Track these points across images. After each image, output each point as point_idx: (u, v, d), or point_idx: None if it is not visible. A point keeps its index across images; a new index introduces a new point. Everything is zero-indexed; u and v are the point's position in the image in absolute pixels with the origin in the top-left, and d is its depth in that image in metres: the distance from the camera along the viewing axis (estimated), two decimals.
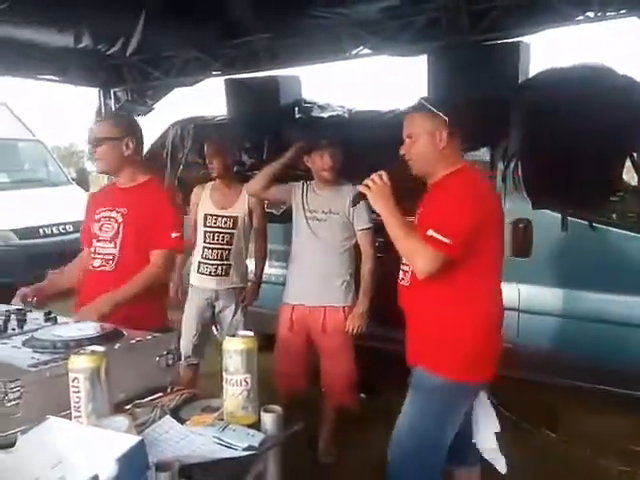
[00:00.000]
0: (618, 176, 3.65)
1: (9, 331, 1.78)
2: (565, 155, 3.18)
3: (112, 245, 2.39)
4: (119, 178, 2.50)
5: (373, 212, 2.72)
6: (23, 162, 8.82)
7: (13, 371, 1.40)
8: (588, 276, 3.36)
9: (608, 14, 3.74)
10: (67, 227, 6.91)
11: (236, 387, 1.42)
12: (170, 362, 1.68)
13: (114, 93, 6.33)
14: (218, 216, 3.37)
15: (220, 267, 3.36)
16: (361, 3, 4.16)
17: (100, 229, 2.43)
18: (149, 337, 1.71)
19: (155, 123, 6.54)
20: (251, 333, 1.48)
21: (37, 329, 1.75)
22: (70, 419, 1.29)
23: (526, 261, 3.53)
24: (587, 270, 3.37)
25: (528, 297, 3.56)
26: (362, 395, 3.27)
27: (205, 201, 3.43)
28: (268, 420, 1.39)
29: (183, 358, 3.07)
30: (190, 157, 5.00)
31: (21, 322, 1.84)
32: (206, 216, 3.39)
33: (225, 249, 3.36)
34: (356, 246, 2.98)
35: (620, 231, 3.30)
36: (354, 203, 2.28)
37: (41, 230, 6.97)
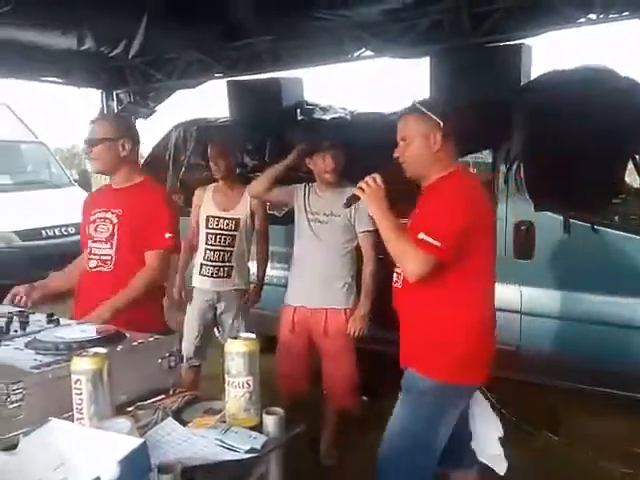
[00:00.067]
0: (620, 178, 3.65)
1: (11, 333, 1.77)
2: (567, 157, 3.18)
3: (108, 246, 2.39)
4: (115, 178, 2.50)
5: None
6: (26, 164, 8.85)
7: (15, 373, 1.40)
8: (590, 278, 3.36)
9: (610, 16, 3.73)
10: (69, 229, 6.93)
11: (238, 389, 1.42)
12: (172, 364, 1.68)
13: (116, 95, 6.34)
14: (220, 218, 3.37)
15: (222, 269, 3.36)
16: (363, 5, 4.16)
17: (95, 230, 2.44)
18: (151, 339, 1.71)
19: (157, 125, 6.56)
20: (253, 335, 1.48)
21: (39, 331, 1.75)
22: (72, 421, 1.29)
23: (528, 263, 3.53)
24: (589, 272, 3.36)
25: (530, 299, 3.56)
26: (364, 398, 3.27)
27: (207, 203, 3.44)
28: (270, 422, 1.39)
29: (185, 360, 3.08)
30: (192, 159, 5.00)
31: (23, 324, 1.84)
32: (208, 218, 3.39)
33: (227, 251, 3.36)
34: (357, 248, 2.98)
35: (622, 233, 3.30)
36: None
37: (43, 232, 6.99)
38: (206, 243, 3.39)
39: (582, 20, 3.84)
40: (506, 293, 3.63)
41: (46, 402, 1.35)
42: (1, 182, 7.72)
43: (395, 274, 2.12)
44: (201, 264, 3.40)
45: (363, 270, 2.95)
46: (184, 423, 1.41)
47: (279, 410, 1.41)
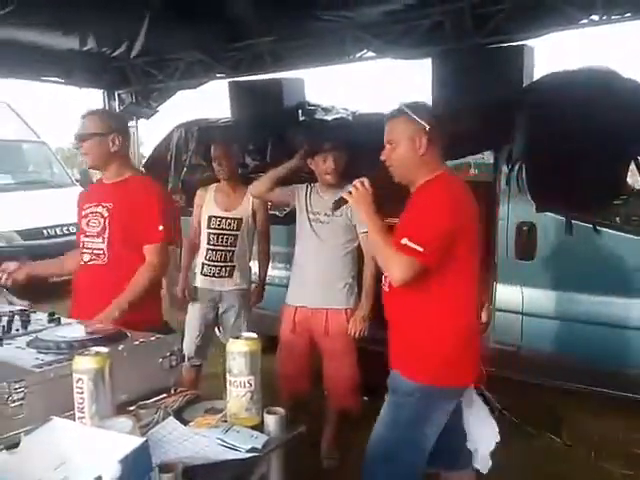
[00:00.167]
0: (622, 179, 3.64)
1: (13, 332, 1.78)
2: (569, 158, 3.18)
3: (100, 240, 2.40)
4: (105, 173, 2.50)
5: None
6: (27, 163, 8.86)
7: (17, 372, 1.40)
8: (592, 279, 3.36)
9: (613, 17, 3.73)
10: (70, 228, 6.92)
11: (240, 389, 1.42)
12: (173, 363, 1.69)
13: (118, 95, 6.35)
14: (222, 218, 3.38)
15: (224, 269, 3.37)
16: (365, 6, 4.16)
17: (87, 224, 2.45)
18: (152, 338, 1.71)
19: (159, 125, 6.57)
20: (255, 335, 1.49)
21: (41, 330, 1.76)
22: (74, 420, 1.29)
23: (530, 264, 3.53)
24: (591, 273, 3.36)
25: (531, 300, 3.55)
26: (365, 397, 3.26)
27: (209, 203, 3.44)
28: (271, 422, 1.39)
29: (186, 359, 3.08)
30: (194, 159, 5.01)
31: (25, 323, 1.84)
32: (210, 218, 3.40)
33: (229, 251, 3.37)
34: (358, 248, 2.98)
35: (624, 234, 3.30)
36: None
37: (45, 231, 7.00)
38: (208, 243, 3.39)
39: (584, 21, 3.83)
40: (507, 294, 3.63)
41: (48, 401, 1.35)
42: (3, 182, 7.73)
43: (383, 277, 2.14)
44: (203, 264, 3.40)
45: (364, 270, 2.95)
46: (185, 422, 1.41)
47: (280, 410, 1.42)
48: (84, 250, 2.45)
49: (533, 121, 3.41)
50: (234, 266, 3.38)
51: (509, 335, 3.63)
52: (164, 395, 1.56)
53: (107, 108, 6.17)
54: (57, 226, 7.03)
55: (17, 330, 1.79)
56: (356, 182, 2.05)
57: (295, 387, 3.04)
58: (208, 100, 7.50)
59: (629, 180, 3.87)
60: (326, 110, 5.17)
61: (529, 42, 4.03)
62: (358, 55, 4.85)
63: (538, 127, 3.36)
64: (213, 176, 3.58)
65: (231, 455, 1.28)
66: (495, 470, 2.24)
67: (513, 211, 3.56)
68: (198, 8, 4.02)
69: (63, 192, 7.82)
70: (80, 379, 1.29)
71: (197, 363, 3.37)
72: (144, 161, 6.16)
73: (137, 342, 1.66)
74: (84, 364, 1.30)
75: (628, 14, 3.70)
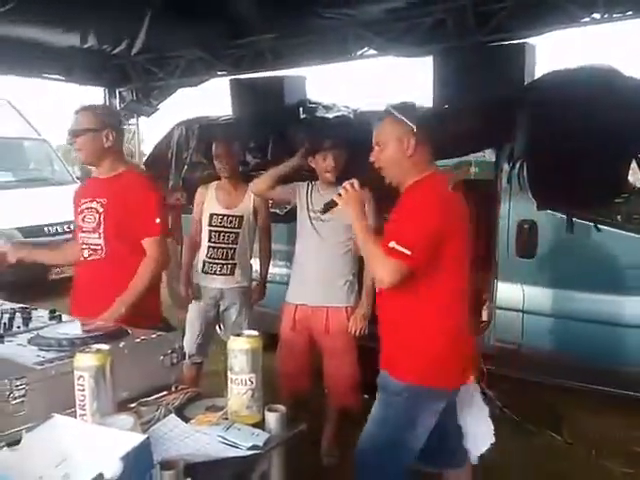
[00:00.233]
0: (624, 178, 3.64)
1: (14, 329, 1.78)
2: (570, 156, 3.17)
3: (96, 236, 2.41)
4: (99, 168, 2.51)
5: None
6: (28, 161, 8.85)
7: (18, 369, 1.40)
8: (593, 277, 3.36)
9: (615, 16, 3.73)
10: (71, 226, 6.90)
11: (241, 386, 1.42)
12: (174, 361, 1.69)
13: (119, 93, 6.35)
14: (224, 216, 3.37)
15: (226, 266, 3.36)
16: (367, 4, 4.16)
17: (83, 220, 2.45)
18: (153, 336, 1.71)
19: (160, 123, 6.57)
20: (256, 333, 1.49)
21: (42, 327, 1.76)
22: (75, 417, 1.29)
23: (531, 262, 3.53)
24: (592, 271, 3.36)
25: (532, 298, 3.55)
26: (365, 395, 3.26)
27: (210, 201, 3.43)
28: (272, 419, 1.39)
29: (187, 357, 3.08)
30: (195, 157, 5.00)
31: (26, 320, 1.85)
32: (212, 216, 3.39)
33: (231, 248, 3.37)
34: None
35: (625, 233, 3.30)
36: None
37: (46, 229, 7.00)
38: (209, 241, 3.39)
39: (586, 19, 3.84)
40: (508, 292, 3.63)
41: (49, 398, 1.35)
42: (4, 179, 7.73)
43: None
44: (204, 261, 3.40)
45: (364, 268, 2.94)
46: (186, 420, 1.41)
47: (281, 407, 1.42)
48: (83, 246, 2.45)
49: (534, 119, 3.40)
50: (235, 264, 3.38)
51: (510, 333, 3.63)
52: (165, 392, 1.57)
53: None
54: (58, 224, 7.03)
55: (18, 327, 1.80)
56: (346, 184, 2.08)
57: (295, 385, 3.03)
58: (209, 98, 7.51)
59: (630, 178, 3.88)
60: (327, 108, 5.16)
61: (531, 40, 4.03)
62: (360, 53, 4.85)
63: (539, 125, 3.36)
64: (214, 174, 3.58)
65: (232, 452, 1.28)
66: (496, 468, 2.24)
67: (514, 209, 3.56)
68: (199, 5, 4.02)
69: (64, 189, 7.81)
70: (81, 376, 1.29)
71: (198, 361, 3.37)
72: (145, 159, 6.16)
73: (138, 339, 1.66)
74: (85, 361, 1.30)
75: (630, 12, 3.70)
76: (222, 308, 3.42)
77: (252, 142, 4.71)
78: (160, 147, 5.30)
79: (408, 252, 1.87)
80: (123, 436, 1.10)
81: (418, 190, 2.00)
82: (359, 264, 3.01)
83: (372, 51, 4.78)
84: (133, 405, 1.45)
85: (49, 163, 8.69)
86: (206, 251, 3.39)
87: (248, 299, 3.47)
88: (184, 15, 4.15)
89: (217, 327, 3.65)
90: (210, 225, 3.39)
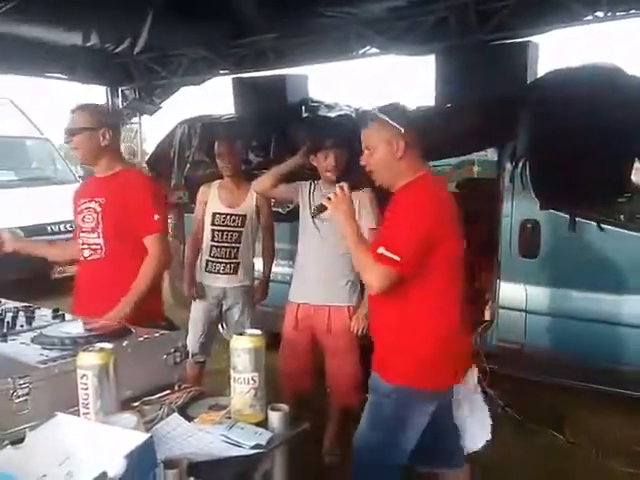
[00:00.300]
0: (627, 177, 3.63)
1: (18, 327, 1.79)
2: (573, 155, 3.17)
3: (95, 235, 2.41)
4: (97, 167, 2.51)
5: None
6: (31, 160, 8.85)
7: (22, 367, 1.41)
8: (596, 277, 3.35)
9: (618, 14, 3.72)
10: (74, 225, 6.92)
11: (244, 385, 1.42)
12: (177, 360, 1.69)
13: (122, 91, 6.35)
14: (227, 214, 3.37)
15: (228, 265, 3.36)
16: (368, 2, 4.15)
17: (83, 220, 2.46)
18: (157, 335, 1.71)
19: (162, 122, 6.56)
20: (259, 332, 1.49)
21: (46, 326, 1.76)
22: (78, 416, 1.29)
23: (533, 262, 3.52)
24: (595, 271, 3.36)
25: (535, 298, 3.55)
26: (367, 395, 3.26)
27: (213, 200, 3.43)
28: (275, 418, 1.39)
29: (190, 356, 3.08)
30: (197, 156, 5.00)
31: (29, 319, 1.85)
32: (214, 215, 3.39)
33: (234, 247, 3.37)
34: None
35: (628, 232, 3.29)
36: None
37: (48, 227, 7.00)
38: (212, 240, 3.38)
39: (589, 17, 3.82)
40: (511, 291, 3.63)
41: (52, 397, 1.36)
42: (6, 178, 7.73)
43: None
44: (207, 261, 3.40)
45: None
46: (189, 419, 1.41)
47: (284, 406, 1.42)
48: (83, 246, 2.46)
49: (537, 118, 3.40)
50: (239, 263, 3.37)
51: (512, 333, 3.63)
52: (168, 391, 1.57)
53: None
54: (61, 222, 7.02)
55: (22, 326, 1.80)
56: (336, 186, 2.10)
57: (298, 384, 3.03)
58: (211, 96, 7.51)
59: (633, 177, 3.86)
60: (329, 107, 5.15)
61: (533, 38, 4.01)
62: (362, 52, 4.84)
63: (542, 124, 3.35)
64: (216, 172, 3.58)
65: (235, 451, 1.28)
66: (498, 467, 2.24)
67: (517, 208, 3.56)
68: (201, 4, 4.01)
69: (66, 188, 7.80)
70: (84, 375, 1.30)
71: (201, 360, 3.37)
72: (147, 157, 6.16)
73: (141, 338, 1.66)
74: (88, 360, 1.30)
75: (633, 10, 3.69)
76: (225, 307, 3.42)
77: (254, 141, 4.71)
78: (163, 146, 5.30)
79: (397, 258, 1.87)
80: (126, 435, 1.11)
81: (410, 192, 2.00)
82: None
83: (374, 50, 4.77)
84: (136, 404, 1.45)
85: (51, 162, 8.69)
86: (209, 250, 3.39)
87: (251, 298, 3.47)
88: (186, 14, 4.14)
89: (220, 326, 3.65)
90: (213, 224, 3.39)
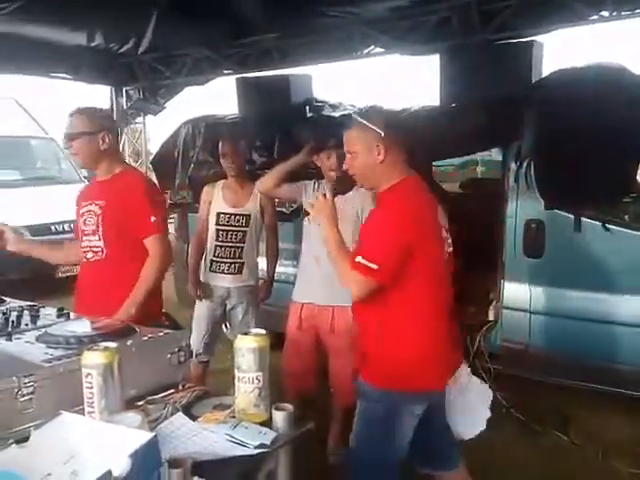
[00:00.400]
0: (632, 177, 3.62)
1: (22, 326, 1.79)
2: (578, 155, 3.15)
3: (96, 238, 2.42)
4: (97, 171, 2.51)
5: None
6: (35, 160, 8.88)
7: (27, 366, 1.41)
8: (601, 277, 3.34)
9: (623, 13, 3.71)
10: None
11: (248, 385, 1.42)
12: (182, 359, 1.69)
13: (126, 91, 6.36)
14: (231, 214, 3.37)
15: (233, 265, 3.37)
16: (372, 2, 4.15)
17: (84, 223, 2.47)
18: (161, 334, 1.72)
19: (166, 122, 6.58)
20: (263, 331, 1.49)
21: (50, 325, 1.77)
22: (83, 414, 1.30)
23: (538, 262, 3.51)
24: (600, 271, 3.34)
25: (539, 298, 3.54)
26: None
27: (217, 200, 3.43)
28: (279, 418, 1.39)
29: (194, 355, 3.08)
30: (201, 156, 5.00)
31: (34, 318, 1.85)
32: (219, 214, 3.39)
33: (238, 247, 3.37)
34: None
35: (633, 232, 3.28)
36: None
37: (53, 227, 7.02)
38: (216, 240, 3.39)
39: (594, 17, 3.81)
40: (515, 291, 3.62)
41: (57, 395, 1.36)
42: (11, 178, 7.76)
43: None
44: (211, 260, 3.40)
45: None
46: (194, 418, 1.41)
47: (288, 406, 1.42)
48: (85, 249, 2.47)
49: (542, 118, 3.39)
50: (243, 262, 3.38)
51: (517, 333, 3.62)
52: (172, 391, 1.57)
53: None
54: (65, 222, 7.03)
55: (26, 325, 1.80)
56: (319, 194, 2.14)
57: (302, 384, 3.03)
58: (215, 96, 7.52)
59: (639, 178, 3.85)
60: (333, 106, 5.16)
61: (538, 38, 4.00)
62: (365, 51, 4.84)
63: (547, 124, 3.34)
64: (220, 172, 3.58)
65: (239, 451, 1.28)
66: (501, 468, 2.23)
67: (521, 208, 3.55)
68: (205, 4, 4.02)
69: (71, 188, 7.82)
70: (89, 374, 1.30)
71: (205, 359, 3.37)
72: (152, 157, 6.17)
73: (146, 338, 1.67)
74: (93, 359, 1.30)
75: (638, 10, 3.67)
76: (229, 307, 3.43)
77: (258, 141, 4.71)
78: (167, 146, 5.31)
79: (375, 267, 1.86)
80: (131, 434, 1.11)
81: (392, 196, 1.99)
82: None
83: (378, 49, 4.77)
84: (141, 403, 1.46)
85: (56, 162, 8.72)
86: (213, 250, 3.39)
87: (255, 298, 3.47)
88: (190, 14, 4.15)
89: (224, 326, 3.65)
90: (217, 224, 3.39)
